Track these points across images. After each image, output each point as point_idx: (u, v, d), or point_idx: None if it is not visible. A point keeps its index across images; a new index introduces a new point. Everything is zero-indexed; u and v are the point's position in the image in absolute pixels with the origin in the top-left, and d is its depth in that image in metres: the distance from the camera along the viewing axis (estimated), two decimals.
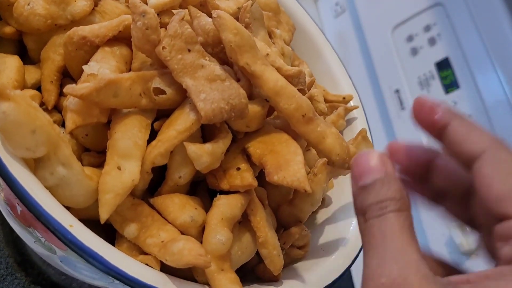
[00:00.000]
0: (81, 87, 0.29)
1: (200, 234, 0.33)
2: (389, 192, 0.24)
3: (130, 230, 0.32)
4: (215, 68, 0.31)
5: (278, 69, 0.35)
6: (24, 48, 0.37)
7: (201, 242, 0.32)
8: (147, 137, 0.32)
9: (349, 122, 0.49)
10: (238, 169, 0.33)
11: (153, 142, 0.32)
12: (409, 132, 0.81)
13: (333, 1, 1.02)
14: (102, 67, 0.31)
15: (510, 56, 0.71)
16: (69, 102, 0.30)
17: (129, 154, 0.31)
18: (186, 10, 0.34)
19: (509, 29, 0.71)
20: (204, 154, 0.31)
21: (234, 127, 0.34)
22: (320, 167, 0.38)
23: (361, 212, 0.25)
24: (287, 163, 0.32)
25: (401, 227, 0.23)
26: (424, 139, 0.79)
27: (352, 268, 0.85)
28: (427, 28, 0.82)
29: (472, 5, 0.76)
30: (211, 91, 0.30)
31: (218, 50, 0.34)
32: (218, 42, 0.33)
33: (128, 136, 0.31)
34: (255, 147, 0.34)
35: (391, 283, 0.21)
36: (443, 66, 0.79)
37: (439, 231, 0.74)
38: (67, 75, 0.36)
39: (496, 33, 0.73)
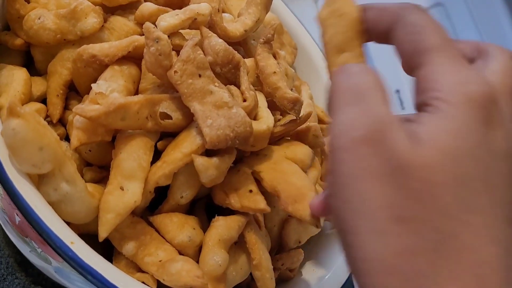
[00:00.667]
0: (91, 109, 0.29)
1: (197, 253, 0.33)
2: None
3: (129, 248, 0.32)
4: (224, 95, 0.32)
5: (278, 89, 0.35)
6: (31, 58, 0.37)
7: (198, 262, 0.32)
8: (151, 159, 0.32)
9: None
10: (251, 191, 0.34)
11: (158, 163, 0.32)
12: None
13: None
14: (111, 86, 0.32)
15: None
16: (76, 119, 0.31)
17: (133, 175, 0.31)
18: (199, 36, 0.34)
19: (509, 29, 0.72)
20: (211, 167, 0.32)
21: (240, 146, 0.34)
22: None
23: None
24: (302, 196, 0.32)
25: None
26: None
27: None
28: None
29: (472, 5, 0.76)
30: (218, 117, 0.31)
31: (226, 70, 0.34)
32: (227, 62, 0.34)
33: (133, 157, 0.31)
34: (268, 174, 0.34)
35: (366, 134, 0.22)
36: None
37: None
38: (73, 89, 0.36)
39: (496, 33, 0.73)
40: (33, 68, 0.37)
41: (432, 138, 0.21)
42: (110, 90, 0.31)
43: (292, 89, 0.41)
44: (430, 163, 0.20)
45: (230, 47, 0.34)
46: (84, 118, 0.30)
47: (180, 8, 0.35)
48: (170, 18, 0.33)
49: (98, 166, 0.35)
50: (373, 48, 0.88)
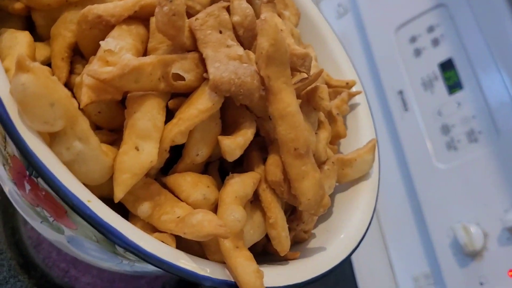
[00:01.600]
0: (104, 71, 0.29)
1: (213, 212, 0.33)
2: None
3: (144, 209, 0.32)
4: (239, 49, 0.32)
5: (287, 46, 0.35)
6: (32, 24, 0.36)
7: None
8: (164, 119, 0.32)
9: (352, 107, 0.50)
10: None
11: (174, 120, 0.32)
12: (412, 134, 0.82)
13: (335, 2, 1.03)
14: (119, 44, 0.31)
15: None
16: (85, 77, 0.30)
17: (148, 135, 0.31)
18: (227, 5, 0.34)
19: None
20: (237, 148, 0.32)
21: (244, 100, 0.33)
22: (336, 160, 0.41)
23: None
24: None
25: None
26: (428, 141, 0.80)
27: (354, 266, 0.85)
28: (431, 29, 0.83)
29: (475, 6, 0.77)
30: (227, 64, 0.31)
31: (249, 36, 0.35)
32: (252, 28, 0.34)
33: (148, 117, 0.31)
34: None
35: None
36: (447, 67, 0.80)
37: (443, 232, 0.75)
38: (78, 53, 0.36)
39: (499, 34, 0.74)
40: (35, 34, 0.36)
41: None
42: (119, 47, 0.31)
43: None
44: None
45: (254, 14, 0.34)
46: (98, 80, 0.30)
47: None
48: None
49: (108, 130, 0.34)
50: (376, 49, 0.89)
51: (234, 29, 0.33)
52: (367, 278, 0.86)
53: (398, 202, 0.86)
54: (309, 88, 0.38)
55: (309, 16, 0.52)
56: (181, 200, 0.33)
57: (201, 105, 0.31)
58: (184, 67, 0.32)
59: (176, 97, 0.33)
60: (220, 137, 0.32)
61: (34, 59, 0.34)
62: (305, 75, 0.37)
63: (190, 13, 0.33)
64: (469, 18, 0.77)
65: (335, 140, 0.47)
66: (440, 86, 0.80)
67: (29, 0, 0.34)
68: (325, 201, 0.36)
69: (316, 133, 0.39)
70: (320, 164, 0.40)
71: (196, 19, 0.31)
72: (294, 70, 0.36)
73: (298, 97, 0.37)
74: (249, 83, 0.31)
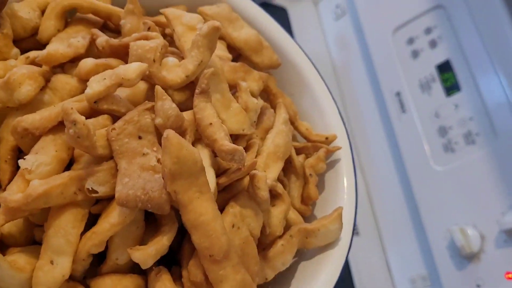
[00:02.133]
0: (12, 199, 0.31)
1: None
2: None
3: None
4: (153, 159, 0.32)
5: (215, 142, 0.35)
6: None
7: None
8: (81, 230, 0.34)
9: (332, 164, 0.47)
10: None
11: (88, 234, 0.34)
12: (410, 135, 0.82)
13: (333, 4, 1.03)
14: (38, 160, 0.32)
15: (511, 58, 0.72)
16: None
17: (62, 251, 0.33)
18: (152, 103, 0.34)
19: (510, 31, 0.72)
20: (148, 258, 0.33)
21: (155, 211, 0.34)
22: (296, 232, 0.41)
23: None
24: None
25: None
26: (425, 143, 0.80)
27: (352, 268, 0.85)
28: (428, 31, 0.83)
29: (473, 8, 0.76)
30: (138, 178, 0.32)
31: (178, 132, 0.34)
32: (176, 127, 0.34)
33: (61, 233, 0.33)
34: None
35: None
36: (444, 68, 0.80)
37: (440, 234, 0.75)
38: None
39: (497, 36, 0.74)
40: None
41: None
42: (37, 164, 0.32)
43: (254, 121, 0.40)
44: None
45: (181, 113, 0.34)
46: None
47: (126, 55, 0.35)
48: (96, 85, 0.33)
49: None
50: (374, 51, 0.89)
51: (158, 130, 0.34)
52: (365, 280, 0.86)
53: (396, 204, 0.86)
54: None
55: (294, 63, 0.49)
56: None
57: (113, 219, 0.33)
58: (99, 180, 0.33)
59: (101, 202, 0.35)
60: (129, 250, 0.33)
61: None
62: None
63: (117, 117, 0.34)
64: (466, 19, 0.77)
65: (307, 201, 0.46)
66: (438, 87, 0.80)
67: None
68: None
69: (274, 206, 0.40)
70: (275, 238, 0.40)
71: (113, 129, 0.32)
72: (225, 162, 0.37)
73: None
74: (156, 198, 0.32)
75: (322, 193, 0.47)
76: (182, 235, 0.37)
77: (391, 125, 0.84)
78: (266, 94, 0.46)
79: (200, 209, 0.32)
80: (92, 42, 0.38)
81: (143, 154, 0.32)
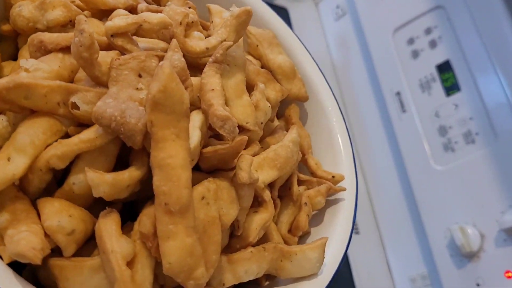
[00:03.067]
0: None
1: (74, 244, 0.32)
2: None
3: (1, 219, 0.31)
4: (141, 94, 0.32)
5: (211, 106, 0.34)
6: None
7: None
8: (50, 141, 0.32)
9: (335, 201, 0.45)
10: None
11: (54, 143, 0.32)
12: (410, 135, 0.82)
13: (334, 4, 1.03)
14: (38, 65, 0.32)
15: (511, 58, 0.72)
16: None
17: (23, 150, 0.31)
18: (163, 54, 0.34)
19: (509, 31, 0.72)
20: (102, 184, 0.31)
21: (126, 141, 0.33)
22: (271, 248, 0.38)
23: None
24: None
25: None
26: (425, 142, 0.80)
27: (352, 267, 0.85)
28: (428, 31, 0.83)
29: (473, 8, 0.76)
30: (121, 103, 0.31)
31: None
32: (181, 77, 0.34)
33: (28, 133, 0.31)
34: None
35: None
36: (444, 68, 0.80)
37: (440, 233, 0.75)
38: None
39: (497, 36, 0.74)
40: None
41: None
42: (35, 68, 0.32)
43: (261, 122, 0.39)
44: None
45: (187, 69, 0.34)
46: None
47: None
48: (118, 20, 0.34)
49: None
50: (374, 51, 0.89)
51: None
52: (365, 279, 0.86)
53: (396, 203, 0.86)
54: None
55: (322, 104, 0.49)
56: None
57: (84, 135, 0.32)
58: (85, 99, 0.32)
59: (80, 127, 0.33)
60: (86, 168, 0.31)
61: None
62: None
63: (122, 53, 0.35)
64: (466, 20, 0.77)
65: (295, 231, 0.43)
66: (438, 87, 0.80)
67: (12, 23, 0.38)
68: (196, 274, 0.31)
69: (255, 212, 0.38)
70: (246, 245, 0.37)
71: (117, 59, 0.32)
72: (212, 130, 0.36)
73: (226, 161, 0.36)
74: (131, 123, 0.30)
75: (318, 225, 0.44)
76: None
77: (391, 124, 0.84)
78: (286, 123, 0.46)
79: (171, 151, 0.30)
80: (134, 8, 0.39)
81: (137, 88, 0.32)
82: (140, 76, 0.32)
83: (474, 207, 0.72)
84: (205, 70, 0.36)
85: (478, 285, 0.70)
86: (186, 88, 0.33)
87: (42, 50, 0.34)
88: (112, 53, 0.34)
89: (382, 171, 0.90)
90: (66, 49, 0.34)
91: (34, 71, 0.32)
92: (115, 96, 0.31)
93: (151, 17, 0.34)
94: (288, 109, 0.46)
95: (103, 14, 0.39)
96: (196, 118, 0.34)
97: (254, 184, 0.36)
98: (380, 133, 0.89)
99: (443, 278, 0.74)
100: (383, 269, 0.86)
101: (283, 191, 0.42)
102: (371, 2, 0.92)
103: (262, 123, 0.40)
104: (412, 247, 0.82)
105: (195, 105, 0.36)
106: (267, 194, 0.38)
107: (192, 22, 0.38)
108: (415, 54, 0.83)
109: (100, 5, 0.38)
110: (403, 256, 0.84)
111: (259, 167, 0.38)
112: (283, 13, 1.07)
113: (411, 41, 0.84)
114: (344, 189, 0.45)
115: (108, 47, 0.35)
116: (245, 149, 0.38)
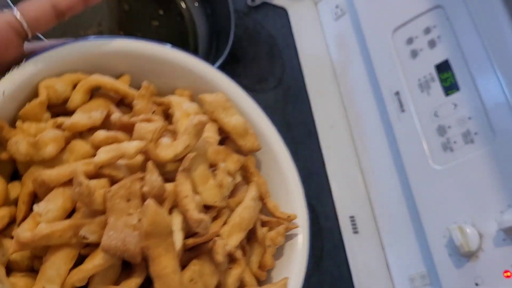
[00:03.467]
0: (23, 236, 0.39)
1: None
2: None
3: None
4: (135, 219, 0.40)
5: (187, 211, 0.42)
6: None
7: None
8: (70, 266, 0.41)
9: (290, 237, 0.54)
10: None
11: (75, 270, 0.40)
12: (409, 134, 0.82)
13: (333, 4, 1.03)
14: (47, 207, 0.41)
15: (510, 58, 0.71)
16: (14, 234, 0.40)
17: (52, 280, 0.40)
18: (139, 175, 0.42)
19: (509, 31, 0.72)
20: None
21: (129, 260, 0.41)
22: None
23: None
24: None
25: None
26: (424, 142, 0.80)
27: (351, 266, 0.85)
28: (427, 31, 0.83)
29: (472, 8, 0.76)
30: (120, 233, 0.40)
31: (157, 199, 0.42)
32: (160, 194, 0.42)
33: (54, 267, 0.40)
34: None
35: None
36: (443, 68, 0.80)
37: (439, 233, 0.75)
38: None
39: (496, 36, 0.73)
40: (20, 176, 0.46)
41: None
42: (47, 210, 0.41)
43: (226, 196, 0.48)
44: None
45: (163, 184, 0.42)
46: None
47: (132, 130, 0.45)
48: (103, 155, 0.42)
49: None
50: (373, 50, 0.89)
51: (144, 195, 0.41)
52: (364, 278, 0.86)
53: (394, 202, 0.86)
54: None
55: (273, 150, 0.56)
56: None
57: (96, 261, 0.40)
58: (91, 230, 0.41)
59: (88, 247, 0.42)
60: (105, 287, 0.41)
61: (3, 200, 0.44)
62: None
63: (115, 180, 0.42)
64: (465, 19, 0.77)
65: (263, 268, 0.52)
66: (437, 87, 0.80)
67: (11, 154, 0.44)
68: None
69: (230, 268, 0.47)
70: None
71: (109, 191, 0.40)
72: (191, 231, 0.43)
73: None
74: (131, 250, 0.40)
75: (280, 258, 0.53)
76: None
77: (390, 124, 0.84)
78: (244, 172, 0.54)
79: (164, 263, 0.40)
80: (108, 116, 0.47)
81: (129, 214, 0.40)
82: (129, 200, 0.41)
83: (473, 206, 0.72)
84: (177, 177, 0.43)
85: (477, 284, 0.70)
86: (165, 198, 0.42)
87: (45, 187, 0.42)
88: (102, 181, 0.42)
89: (381, 170, 0.90)
90: (64, 184, 0.42)
91: (45, 214, 0.40)
92: (115, 227, 0.40)
93: (129, 148, 0.42)
94: (245, 160, 0.53)
95: (86, 132, 0.47)
96: (176, 221, 0.43)
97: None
98: (379, 132, 0.89)
99: (442, 277, 0.74)
100: (382, 269, 0.86)
101: (250, 234, 0.50)
102: (370, 2, 0.91)
103: (226, 196, 0.48)
104: (411, 246, 0.82)
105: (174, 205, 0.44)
106: (238, 253, 0.47)
107: (160, 130, 0.45)
108: (414, 53, 0.83)
109: (80, 128, 0.45)
110: (402, 256, 0.84)
111: (229, 235, 0.47)
112: (282, 13, 1.07)
113: (410, 40, 0.84)
114: (297, 227, 0.53)
115: (96, 174, 0.43)
116: (216, 217, 0.47)
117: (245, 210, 0.48)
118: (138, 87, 0.50)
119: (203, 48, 0.89)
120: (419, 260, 0.81)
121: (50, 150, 0.43)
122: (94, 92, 0.49)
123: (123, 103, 0.51)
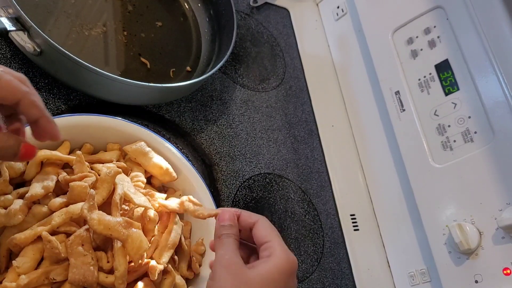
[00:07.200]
0: (10, 286, 0.51)
1: None
2: (232, 229, 0.49)
3: None
4: (89, 258, 0.53)
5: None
6: None
7: None
8: None
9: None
10: None
11: None
12: (408, 133, 0.81)
13: (334, 4, 1.03)
14: (23, 261, 0.53)
15: (509, 57, 0.70)
16: None
17: None
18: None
19: (508, 31, 0.71)
20: None
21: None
22: None
23: (218, 236, 0.49)
24: None
25: (232, 243, 0.48)
26: (424, 141, 0.79)
27: (352, 263, 0.85)
28: (427, 31, 0.82)
29: (472, 8, 0.75)
30: (80, 269, 0.52)
31: (100, 243, 0.56)
32: (105, 240, 0.56)
33: None
34: None
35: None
36: (443, 68, 0.79)
37: (439, 231, 0.74)
38: None
39: (495, 35, 0.73)
40: None
41: (260, 272, 0.45)
42: (22, 263, 0.52)
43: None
44: (258, 281, 0.44)
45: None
46: None
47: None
48: (57, 218, 0.54)
49: None
50: (374, 50, 0.88)
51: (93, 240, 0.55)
52: (364, 275, 0.86)
53: (395, 200, 0.85)
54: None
55: (185, 175, 0.68)
56: None
57: None
58: (57, 273, 0.53)
59: (56, 283, 0.54)
60: None
61: None
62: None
63: (69, 233, 0.55)
64: (465, 20, 0.76)
65: (192, 271, 0.64)
66: (437, 87, 0.79)
67: None
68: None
69: (165, 278, 0.60)
70: None
71: (68, 240, 0.53)
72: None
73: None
74: (89, 280, 0.52)
75: (205, 256, 0.66)
76: None
77: (391, 123, 0.84)
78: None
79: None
80: (57, 181, 0.58)
81: (84, 255, 0.53)
82: (82, 245, 0.53)
83: (473, 204, 0.71)
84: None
85: (476, 282, 0.69)
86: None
87: (18, 246, 0.53)
88: (60, 236, 0.54)
89: (381, 169, 0.89)
90: (32, 242, 0.53)
91: (22, 265, 0.52)
92: (76, 266, 0.52)
93: (75, 210, 0.55)
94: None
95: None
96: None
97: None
98: (379, 131, 0.89)
99: (441, 274, 0.73)
100: (382, 265, 0.86)
101: (176, 248, 0.62)
102: (371, 3, 0.91)
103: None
104: (411, 244, 0.82)
105: None
106: (169, 267, 0.60)
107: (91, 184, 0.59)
108: (414, 53, 0.83)
109: (39, 197, 0.56)
110: (402, 253, 0.84)
111: (160, 255, 0.59)
112: (284, 13, 1.06)
113: (410, 41, 0.84)
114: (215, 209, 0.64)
115: (56, 231, 0.55)
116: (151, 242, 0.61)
117: (168, 233, 0.61)
118: (80, 146, 0.64)
119: (205, 48, 0.88)
120: (419, 257, 0.80)
121: (18, 218, 0.54)
122: (44, 162, 0.60)
123: (68, 165, 0.63)
